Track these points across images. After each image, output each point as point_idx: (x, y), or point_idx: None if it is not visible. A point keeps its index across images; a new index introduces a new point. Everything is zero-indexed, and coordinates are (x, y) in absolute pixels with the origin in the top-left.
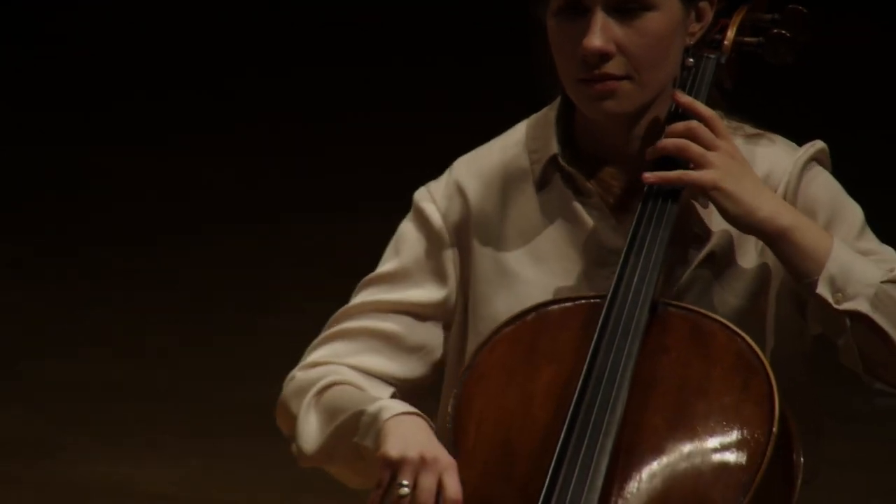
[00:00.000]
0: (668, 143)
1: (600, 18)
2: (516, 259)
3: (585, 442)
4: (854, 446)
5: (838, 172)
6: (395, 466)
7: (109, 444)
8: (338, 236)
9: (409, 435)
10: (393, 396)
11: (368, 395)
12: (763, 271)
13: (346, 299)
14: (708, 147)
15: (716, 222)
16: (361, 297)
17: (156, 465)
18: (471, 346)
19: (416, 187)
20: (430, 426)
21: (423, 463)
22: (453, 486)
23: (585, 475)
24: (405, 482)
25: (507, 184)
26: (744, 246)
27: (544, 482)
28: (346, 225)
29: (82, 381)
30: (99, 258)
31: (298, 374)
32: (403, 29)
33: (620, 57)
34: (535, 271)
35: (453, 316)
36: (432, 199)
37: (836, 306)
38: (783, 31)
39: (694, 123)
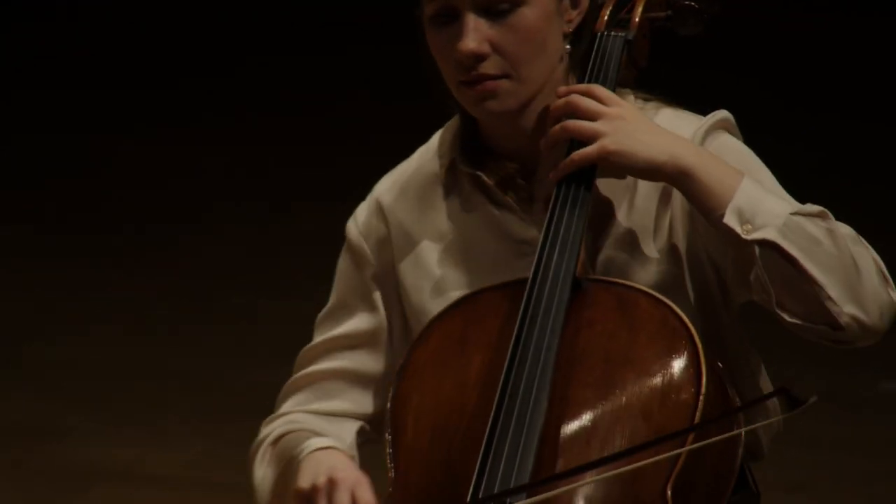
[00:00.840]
0: (554, 131)
1: (472, 20)
2: (440, 263)
3: (513, 421)
4: (857, 431)
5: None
6: (307, 496)
7: (114, 426)
8: (343, 224)
9: (319, 464)
10: (361, 430)
11: (307, 437)
12: (676, 243)
13: None
14: (591, 117)
15: (623, 202)
16: (316, 337)
17: (161, 448)
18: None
19: None
20: (346, 454)
21: (332, 484)
22: (366, 497)
23: (514, 454)
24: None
25: (422, 192)
26: (652, 222)
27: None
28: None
29: (88, 363)
30: (105, 241)
31: (263, 430)
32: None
33: (496, 56)
34: (459, 272)
35: (393, 334)
36: (356, 223)
37: (744, 237)
38: (691, 3)
39: (573, 97)
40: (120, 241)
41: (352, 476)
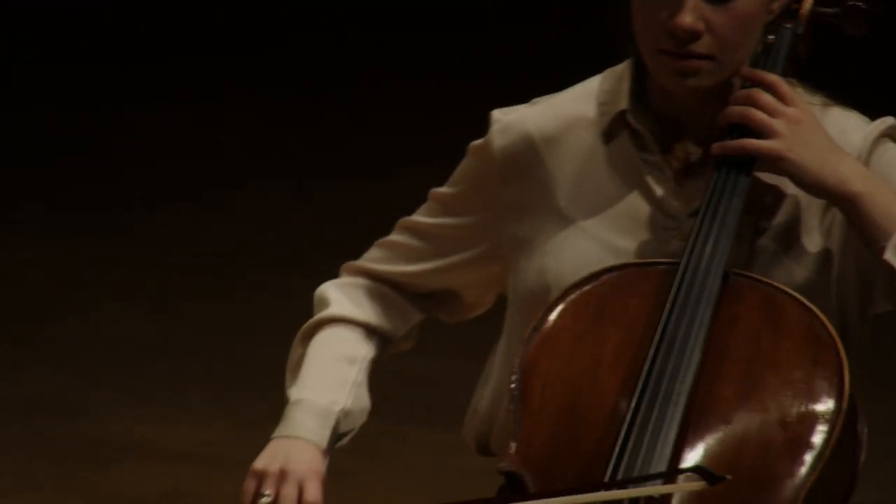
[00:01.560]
0: (731, 111)
1: None
2: (579, 213)
3: (655, 411)
4: (893, 413)
5: None
6: (258, 478)
7: (135, 402)
8: (362, 199)
9: (278, 451)
10: (415, 328)
11: (311, 374)
12: (831, 247)
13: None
14: (771, 113)
15: (788, 192)
16: (418, 212)
17: (182, 425)
18: (515, 288)
19: (442, 152)
20: (314, 446)
21: (283, 475)
22: (313, 492)
23: (654, 444)
24: (267, 492)
25: (573, 134)
26: (813, 219)
27: (611, 448)
28: (371, 188)
29: (109, 339)
30: (126, 217)
31: (330, 283)
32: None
33: (708, 36)
34: (593, 222)
35: (490, 250)
36: (500, 133)
37: None
38: (858, 3)
39: (756, 91)
40: (138, 218)
41: (304, 469)
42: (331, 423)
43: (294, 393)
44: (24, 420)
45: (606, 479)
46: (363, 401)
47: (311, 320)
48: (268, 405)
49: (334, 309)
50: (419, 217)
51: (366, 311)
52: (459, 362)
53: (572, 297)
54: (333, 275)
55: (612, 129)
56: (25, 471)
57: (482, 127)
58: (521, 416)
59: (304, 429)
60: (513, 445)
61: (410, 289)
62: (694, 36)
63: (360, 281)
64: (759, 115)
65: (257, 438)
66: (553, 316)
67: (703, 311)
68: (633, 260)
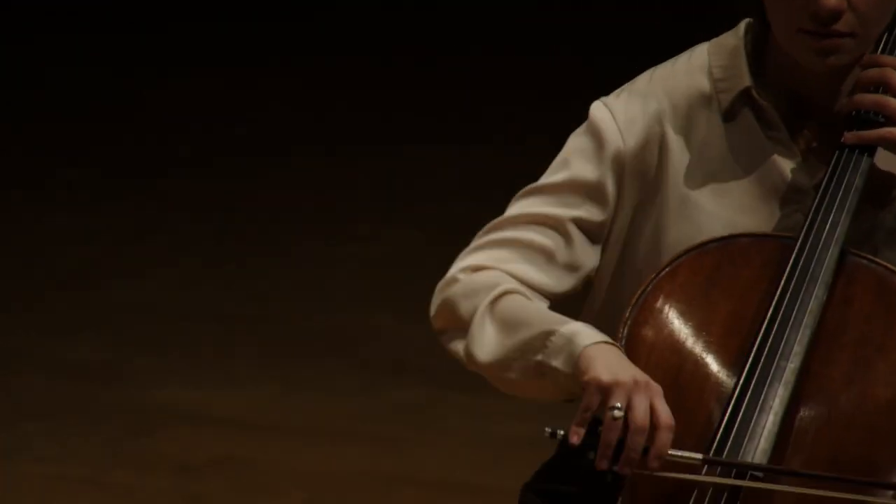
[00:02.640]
0: (863, 98)
1: None
2: (698, 188)
3: (764, 389)
4: None
5: None
6: (607, 390)
7: (181, 368)
8: (411, 168)
9: (614, 361)
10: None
11: (548, 312)
12: None
13: (420, 227)
14: None
15: None
16: (520, 207)
17: (227, 390)
18: (631, 272)
19: (490, 126)
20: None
21: (636, 386)
22: (665, 411)
23: (761, 423)
24: (618, 404)
25: (691, 110)
26: None
27: (717, 420)
28: (418, 156)
29: (154, 304)
30: (175, 182)
31: (463, 277)
32: None
33: (849, 14)
34: (717, 203)
35: (611, 236)
36: (611, 114)
37: None
38: None
39: (888, 71)
40: (187, 184)
41: (654, 385)
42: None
43: (549, 326)
44: (71, 386)
45: (711, 454)
46: None
47: (489, 297)
48: (314, 370)
49: (508, 284)
50: (539, 209)
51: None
52: None
53: (682, 262)
54: (383, 242)
55: (735, 106)
56: (73, 437)
57: (526, 105)
58: None
59: (603, 335)
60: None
61: (558, 287)
62: (837, 16)
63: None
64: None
65: (305, 404)
66: (663, 281)
67: (819, 289)
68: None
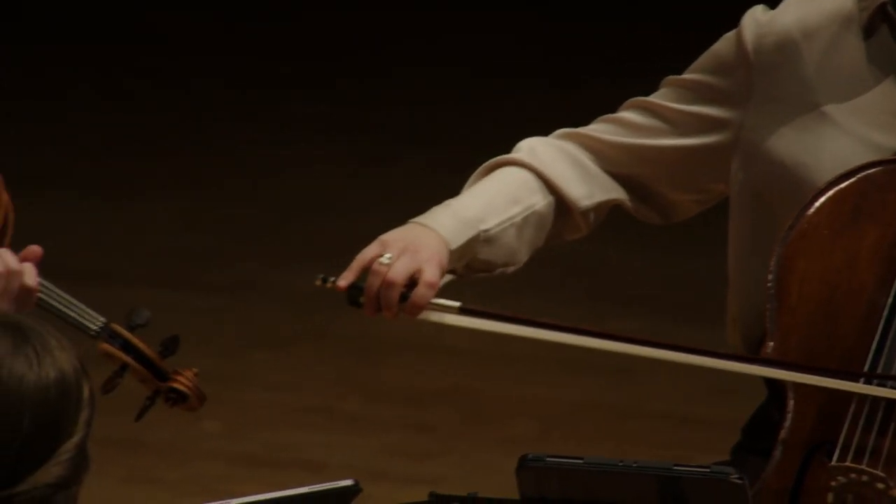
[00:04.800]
0: None
1: None
2: (834, 105)
3: None
4: None
5: None
6: (382, 246)
7: None
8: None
9: (409, 231)
10: (555, 190)
11: (477, 193)
12: None
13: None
14: None
15: None
16: (653, 95)
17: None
18: (753, 181)
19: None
20: (441, 240)
21: (405, 249)
22: (430, 272)
23: None
24: (388, 255)
25: (832, 29)
26: None
27: (869, 345)
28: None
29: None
30: (403, 113)
31: (533, 137)
32: None
33: None
34: (854, 121)
35: (724, 142)
36: (755, 25)
37: None
38: None
39: None
40: (413, 116)
41: (425, 253)
42: (469, 233)
43: (449, 201)
44: (303, 316)
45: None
46: (511, 244)
47: (494, 159)
48: (545, 298)
49: (522, 155)
50: (656, 99)
51: (555, 169)
52: None
53: (829, 193)
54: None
55: (873, 23)
56: (304, 366)
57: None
58: (777, 315)
59: (441, 225)
60: (770, 344)
61: (619, 166)
62: None
63: (564, 142)
64: None
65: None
66: (810, 213)
67: None
68: (892, 156)
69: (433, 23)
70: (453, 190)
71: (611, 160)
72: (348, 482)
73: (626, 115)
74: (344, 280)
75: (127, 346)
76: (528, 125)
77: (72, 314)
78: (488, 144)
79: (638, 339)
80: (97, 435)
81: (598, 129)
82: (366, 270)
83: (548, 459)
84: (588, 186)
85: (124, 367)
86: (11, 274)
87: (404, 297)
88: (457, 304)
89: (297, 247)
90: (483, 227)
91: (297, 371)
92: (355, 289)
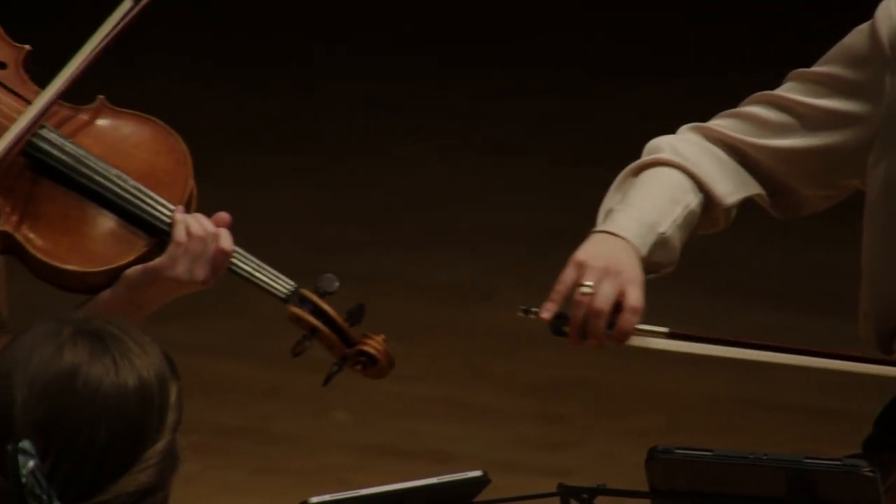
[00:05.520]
0: None
1: None
2: None
3: None
4: None
5: None
6: (580, 269)
7: (543, 290)
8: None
9: (601, 247)
10: (702, 187)
11: (639, 195)
12: None
13: None
14: None
15: None
16: (781, 89)
17: None
18: (889, 177)
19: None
20: (634, 250)
21: (606, 272)
22: (634, 296)
23: None
24: (589, 283)
25: None
26: None
27: None
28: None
29: (517, 227)
30: (523, 103)
31: (665, 136)
32: None
33: None
34: None
35: (858, 138)
36: (891, 20)
37: None
38: None
39: None
40: (536, 104)
41: (628, 273)
42: (651, 239)
43: (618, 206)
44: (435, 307)
45: None
46: (676, 245)
47: (640, 160)
48: (668, 294)
49: (668, 155)
50: (784, 93)
51: (700, 167)
52: None
53: None
54: None
55: None
56: (435, 357)
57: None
58: None
59: (628, 231)
60: None
61: (753, 163)
62: None
63: (700, 139)
64: None
65: (663, 325)
66: None
67: None
68: None
69: (563, 19)
70: (585, 181)
71: (746, 157)
72: (477, 473)
73: (754, 109)
74: (547, 312)
75: (317, 311)
76: (658, 120)
77: (263, 278)
78: (628, 134)
79: (844, 356)
80: (228, 426)
81: (729, 126)
82: (567, 299)
83: (677, 451)
84: (732, 183)
85: (314, 331)
86: (209, 237)
87: (610, 325)
88: (664, 329)
89: (430, 237)
90: (660, 229)
91: (428, 362)
92: (560, 318)
